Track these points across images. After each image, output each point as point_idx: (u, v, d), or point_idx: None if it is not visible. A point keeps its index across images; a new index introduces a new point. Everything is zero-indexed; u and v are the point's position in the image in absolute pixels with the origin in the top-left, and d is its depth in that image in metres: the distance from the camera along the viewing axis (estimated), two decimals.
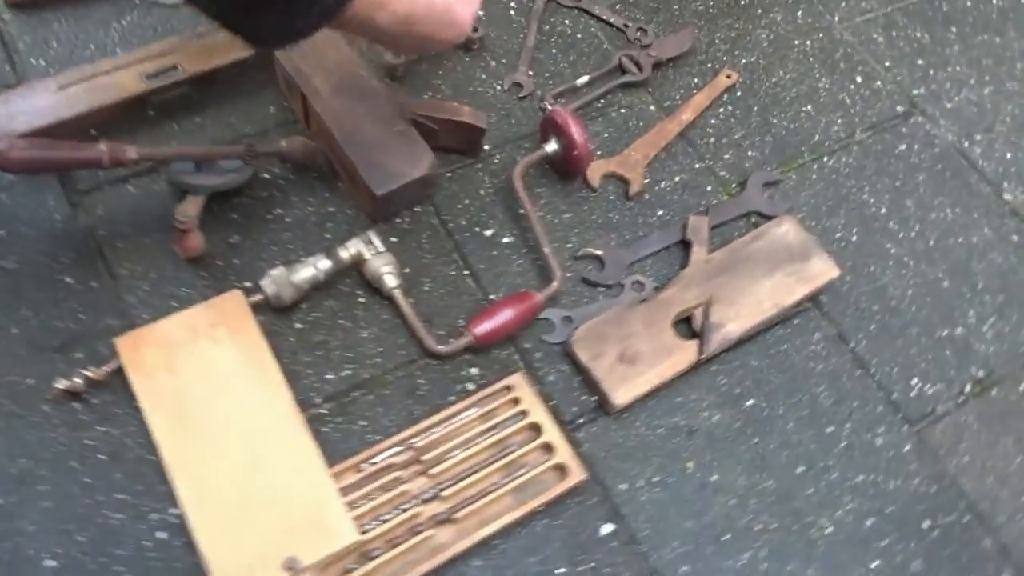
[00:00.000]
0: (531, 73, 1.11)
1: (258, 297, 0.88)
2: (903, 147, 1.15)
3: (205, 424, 0.80)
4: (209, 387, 0.82)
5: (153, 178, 0.97)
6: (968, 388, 0.98)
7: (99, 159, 0.87)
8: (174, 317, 0.85)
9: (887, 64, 1.22)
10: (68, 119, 0.95)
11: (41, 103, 0.96)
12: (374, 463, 0.82)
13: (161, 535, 0.79)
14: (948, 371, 0.99)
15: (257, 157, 0.95)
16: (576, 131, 0.97)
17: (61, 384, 0.81)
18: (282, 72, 1.00)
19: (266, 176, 0.99)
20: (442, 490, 0.82)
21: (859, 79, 1.20)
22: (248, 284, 0.91)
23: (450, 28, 0.79)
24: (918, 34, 1.27)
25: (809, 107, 1.16)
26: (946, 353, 1.00)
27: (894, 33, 1.26)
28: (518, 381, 0.88)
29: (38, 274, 0.90)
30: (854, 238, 1.06)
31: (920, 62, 1.23)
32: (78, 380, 0.82)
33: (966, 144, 1.17)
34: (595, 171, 1.04)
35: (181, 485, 0.78)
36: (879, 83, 1.20)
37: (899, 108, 1.18)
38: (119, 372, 0.83)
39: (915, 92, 1.20)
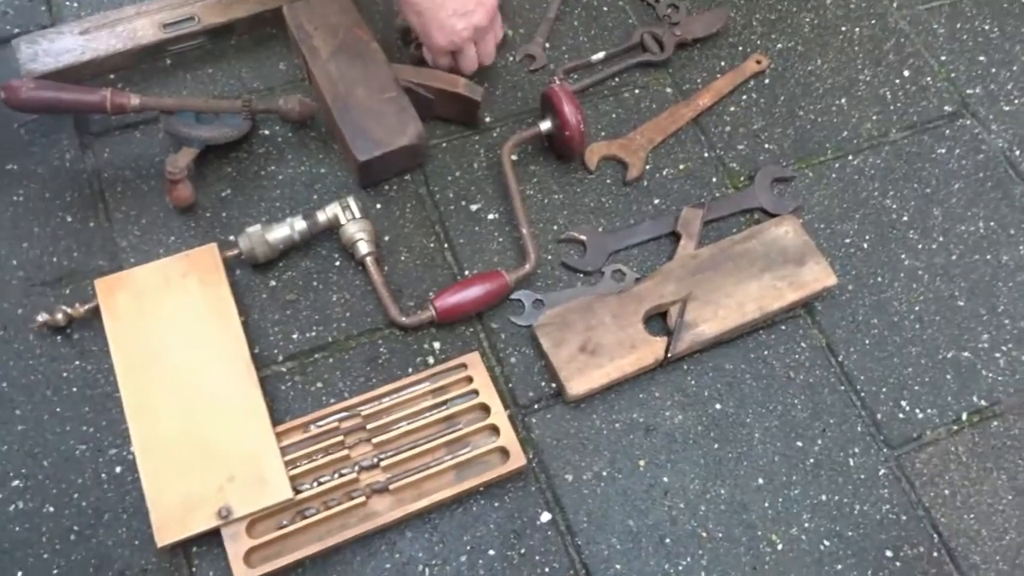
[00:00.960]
0: (547, 46, 1.09)
1: (234, 252, 0.91)
2: (942, 151, 1.06)
3: (164, 370, 0.84)
4: (172, 335, 0.86)
5: (159, 126, 1.00)
6: (964, 417, 0.92)
7: (102, 104, 0.92)
8: (150, 265, 0.89)
9: (943, 58, 1.13)
10: (85, 63, 1.00)
11: (64, 46, 1.00)
12: (320, 425, 0.84)
13: (118, 469, 0.84)
14: (945, 396, 0.93)
15: (254, 113, 0.97)
16: (569, 111, 0.94)
17: (43, 317, 0.87)
18: (288, 29, 1.01)
19: (265, 132, 1.01)
20: (383, 459, 0.83)
21: (907, 73, 1.11)
22: (232, 238, 0.94)
23: (441, 32, 0.92)
24: (987, 27, 1.16)
25: (843, 100, 1.09)
26: (947, 377, 0.94)
27: (959, 24, 1.16)
28: (474, 360, 0.88)
29: (42, 209, 0.95)
30: (865, 245, 1.00)
31: (982, 58, 1.14)
32: (59, 316, 0.87)
33: (1018, 152, 1.07)
34: (593, 153, 1.01)
35: (134, 426, 0.82)
36: (929, 79, 1.11)
37: (947, 108, 1.09)
38: (98, 311, 0.88)
39: (969, 91, 1.11)
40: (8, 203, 0.95)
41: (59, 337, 0.89)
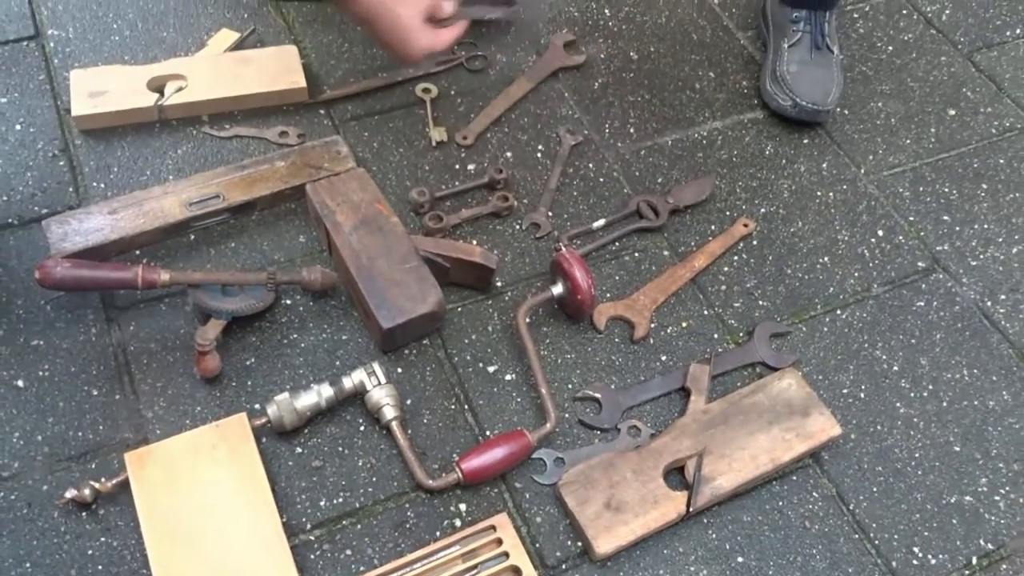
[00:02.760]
0: (550, 214, 1.16)
1: (262, 420, 0.93)
2: (921, 304, 1.14)
3: (195, 544, 0.84)
4: (204, 508, 0.86)
5: (184, 298, 1.04)
6: (975, 561, 0.95)
7: (133, 280, 0.95)
8: (180, 437, 0.90)
9: (911, 219, 1.23)
10: (114, 241, 1.04)
11: (93, 225, 1.05)
12: None
13: None
14: (954, 541, 0.96)
15: (278, 285, 1.01)
16: (580, 276, 1.00)
17: (70, 493, 0.87)
18: (310, 205, 1.07)
19: (287, 302, 1.05)
20: None
21: (881, 232, 1.21)
22: (257, 406, 0.96)
23: (402, 48, 1.01)
24: (946, 189, 1.27)
25: (826, 259, 1.17)
26: (952, 522, 0.97)
27: (921, 188, 1.27)
28: (503, 522, 0.90)
29: (67, 384, 0.97)
30: (862, 395, 1.05)
31: (946, 218, 1.24)
32: (87, 492, 0.87)
33: (989, 304, 1.15)
34: (601, 313, 1.07)
35: None
36: (901, 238, 1.21)
37: (920, 264, 1.18)
38: (126, 485, 0.88)
39: (939, 248, 1.20)
40: (34, 379, 0.97)
41: (84, 513, 0.89)
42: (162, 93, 1.19)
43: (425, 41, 1.01)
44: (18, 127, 1.17)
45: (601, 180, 1.22)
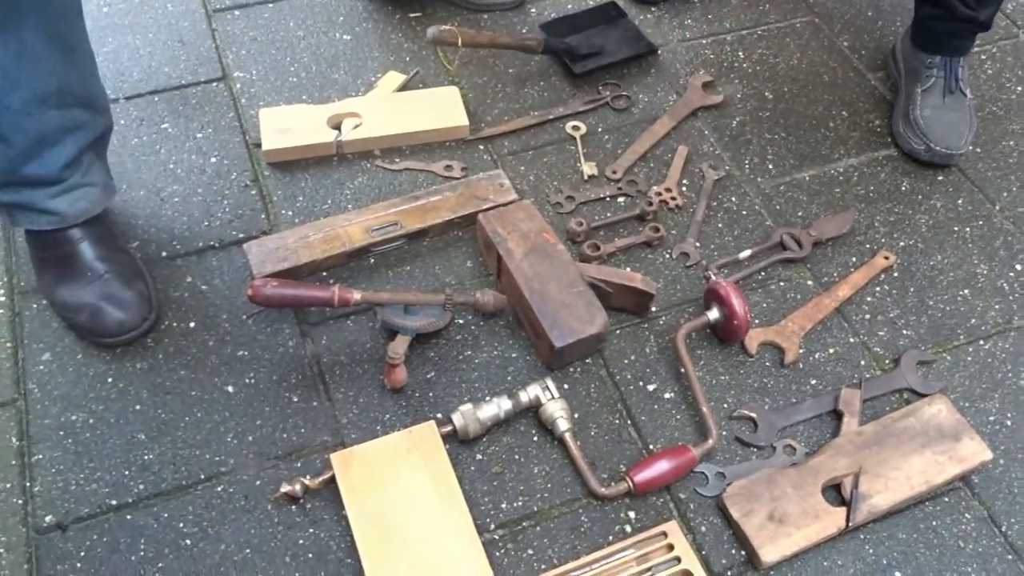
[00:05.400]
0: (698, 244, 1.24)
1: (448, 428, 1.02)
2: None
3: (399, 539, 0.93)
4: (404, 506, 0.95)
5: (368, 317, 1.14)
6: None
7: (331, 299, 1.06)
8: (379, 441, 1.00)
9: None
10: (306, 263, 1.15)
11: (288, 249, 1.16)
12: None
13: None
14: None
15: (455, 306, 1.11)
16: (737, 303, 1.07)
17: (285, 488, 0.97)
18: (481, 233, 1.17)
19: (460, 322, 1.14)
20: None
21: (1019, 267, 1.25)
22: (439, 416, 1.05)
23: None
24: None
25: (966, 291, 1.21)
26: None
27: None
28: (673, 529, 0.96)
29: (271, 391, 1.08)
30: (1008, 423, 1.09)
31: None
32: (297, 487, 0.97)
33: None
34: (753, 339, 1.13)
35: None
36: None
37: None
38: (330, 482, 0.98)
39: None
40: (242, 385, 1.08)
41: (293, 507, 0.98)
42: (339, 130, 1.31)
43: None
44: (213, 159, 1.30)
45: (744, 213, 1.29)
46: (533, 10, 1.56)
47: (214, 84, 1.40)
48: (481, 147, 1.34)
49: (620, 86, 1.43)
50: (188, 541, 0.96)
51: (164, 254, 1.19)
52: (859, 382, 1.10)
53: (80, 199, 1.08)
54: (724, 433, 1.06)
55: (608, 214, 1.27)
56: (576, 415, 1.07)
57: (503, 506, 1.00)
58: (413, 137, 1.33)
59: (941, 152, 1.32)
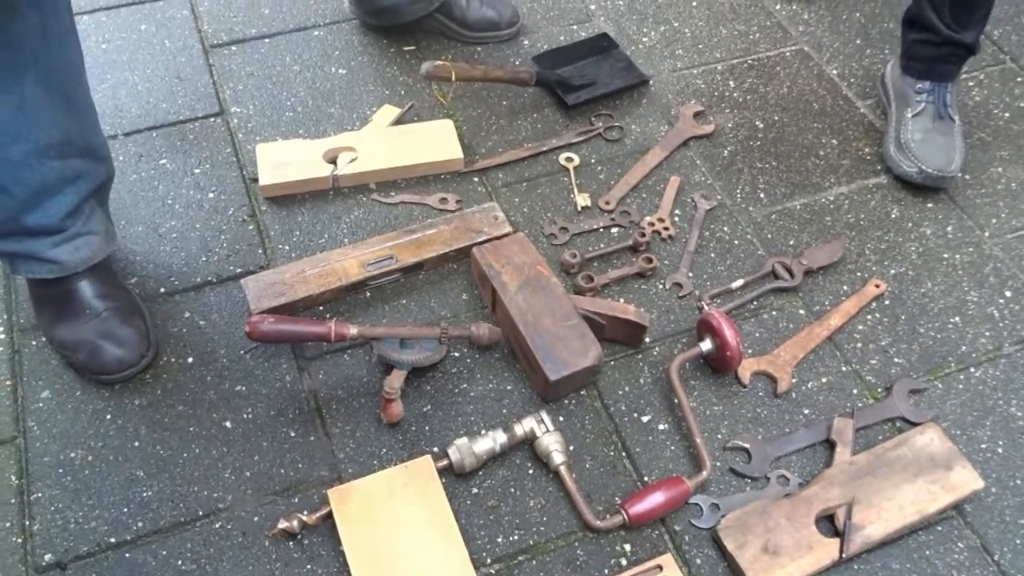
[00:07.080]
0: (691, 274, 1.25)
1: (444, 462, 1.03)
2: None
3: (396, 574, 0.94)
4: (400, 541, 0.96)
5: (365, 350, 1.15)
6: None
7: (327, 334, 1.07)
8: (375, 475, 1.01)
9: None
10: (303, 298, 1.16)
11: (285, 284, 1.17)
12: None
13: None
14: None
15: (450, 339, 1.12)
16: (730, 334, 1.08)
17: (283, 524, 0.98)
18: (476, 266, 1.18)
19: (456, 355, 1.16)
20: None
21: (1008, 294, 1.26)
22: (435, 449, 1.06)
23: None
24: None
25: (957, 319, 1.23)
26: None
27: None
28: (669, 562, 0.97)
29: (268, 425, 1.09)
30: (1000, 450, 1.10)
31: None
32: (295, 523, 0.98)
33: None
34: (745, 369, 1.14)
35: None
36: None
37: None
38: (327, 518, 0.99)
39: None
40: (239, 421, 1.09)
41: (291, 543, 0.99)
42: (335, 164, 1.33)
43: None
44: (211, 195, 1.32)
45: (736, 242, 1.30)
46: (526, 42, 1.58)
47: (211, 119, 1.42)
48: (475, 179, 1.36)
49: (613, 117, 1.45)
50: None
51: (162, 290, 1.21)
52: (851, 411, 1.11)
53: (81, 247, 1.09)
54: (718, 464, 1.07)
55: (602, 245, 1.28)
56: (571, 447, 1.08)
57: (499, 540, 1.00)
58: (408, 170, 1.34)
59: (933, 175, 1.33)
